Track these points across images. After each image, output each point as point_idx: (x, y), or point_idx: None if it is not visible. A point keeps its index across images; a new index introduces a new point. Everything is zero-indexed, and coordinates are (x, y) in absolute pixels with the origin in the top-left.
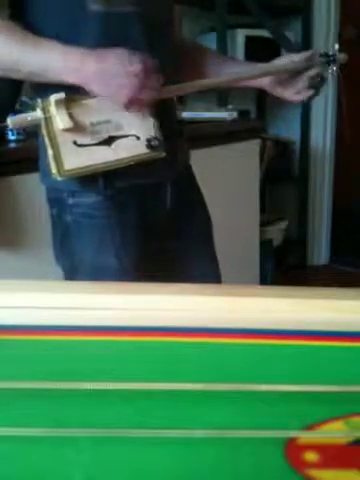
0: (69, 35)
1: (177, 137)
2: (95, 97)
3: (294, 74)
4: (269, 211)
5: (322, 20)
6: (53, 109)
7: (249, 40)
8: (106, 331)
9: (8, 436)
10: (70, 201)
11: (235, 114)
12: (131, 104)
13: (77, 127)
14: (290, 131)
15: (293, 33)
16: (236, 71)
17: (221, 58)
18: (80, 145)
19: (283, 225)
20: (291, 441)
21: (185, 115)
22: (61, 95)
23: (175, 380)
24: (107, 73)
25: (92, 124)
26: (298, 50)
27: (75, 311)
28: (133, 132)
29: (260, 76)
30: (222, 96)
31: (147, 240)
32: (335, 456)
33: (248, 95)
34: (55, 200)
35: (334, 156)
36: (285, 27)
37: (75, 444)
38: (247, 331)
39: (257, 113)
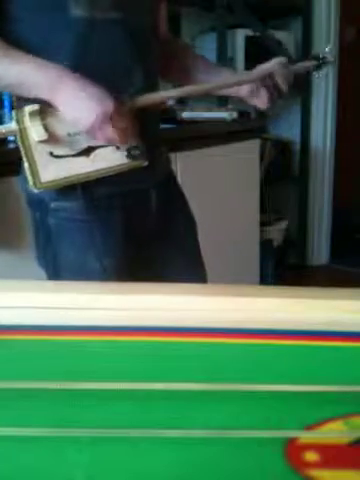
0: (50, 42)
1: (159, 143)
2: None
3: (263, 82)
4: (269, 211)
5: (322, 20)
6: (27, 121)
7: (249, 40)
8: (106, 331)
9: (8, 436)
10: (52, 205)
11: (235, 114)
12: (92, 135)
13: (53, 138)
14: (290, 131)
15: (293, 33)
16: (219, 79)
17: (210, 65)
18: (57, 156)
19: (283, 225)
20: (291, 441)
21: (185, 115)
22: (35, 106)
23: (175, 380)
24: (78, 100)
25: (69, 135)
26: (286, 52)
27: (75, 311)
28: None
29: (234, 85)
30: (222, 96)
31: (133, 244)
32: (335, 456)
33: None
34: (38, 204)
35: (334, 156)
36: (285, 27)
37: (75, 444)
38: (247, 331)
39: (257, 113)
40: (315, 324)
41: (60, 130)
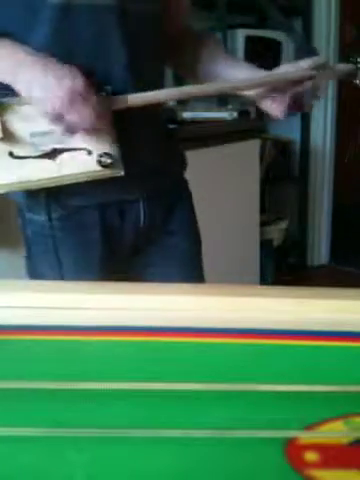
0: (24, 28)
1: (160, 149)
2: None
3: (288, 85)
4: (269, 211)
5: (322, 20)
6: None
7: (249, 40)
8: (106, 331)
9: (8, 436)
10: (27, 216)
11: (235, 114)
12: (56, 121)
13: (13, 137)
14: (290, 131)
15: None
16: (239, 78)
17: (229, 61)
18: (17, 157)
19: (283, 225)
20: (291, 441)
21: (185, 115)
22: None
23: (175, 380)
24: (44, 78)
25: (33, 134)
26: (307, 47)
27: (75, 311)
28: (84, 145)
29: (258, 86)
30: (222, 96)
31: (110, 262)
32: (335, 456)
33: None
34: (19, 211)
35: (334, 156)
36: (286, 28)
37: (75, 444)
38: (247, 331)
39: (257, 113)
40: (315, 324)
41: (22, 129)
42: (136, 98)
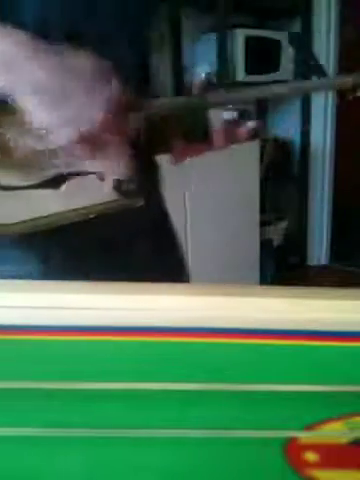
0: None
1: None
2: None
3: None
4: (269, 211)
5: (322, 20)
6: None
7: (249, 40)
8: (106, 331)
9: (8, 436)
10: None
11: (235, 114)
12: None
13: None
14: (290, 131)
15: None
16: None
17: None
18: (6, 188)
19: (283, 225)
20: (291, 441)
21: None
22: None
23: (175, 380)
24: (61, 84)
25: (27, 156)
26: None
27: (75, 311)
28: (95, 168)
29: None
30: None
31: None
32: (335, 456)
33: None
34: None
35: (334, 156)
36: (285, 28)
37: (75, 444)
38: (247, 331)
39: (257, 113)
40: (315, 324)
41: (13, 148)
42: (164, 103)
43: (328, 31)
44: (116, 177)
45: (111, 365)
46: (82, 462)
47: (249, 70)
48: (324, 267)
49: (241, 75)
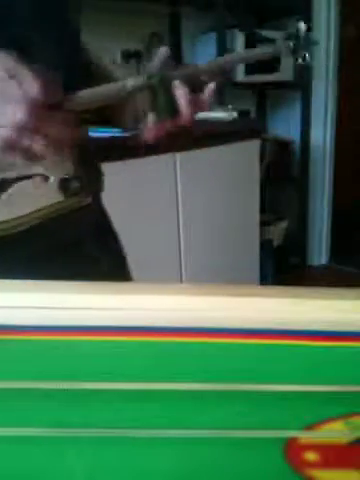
0: None
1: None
2: None
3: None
4: (269, 211)
5: (322, 20)
6: None
7: (249, 40)
8: (106, 331)
9: (8, 436)
10: None
11: (235, 114)
12: (9, 151)
13: None
14: (290, 131)
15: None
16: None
17: None
18: None
19: (283, 225)
20: (291, 441)
21: None
22: None
23: (175, 380)
24: None
25: None
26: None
27: (75, 311)
28: (39, 170)
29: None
30: (222, 96)
31: None
32: (335, 456)
33: (248, 95)
34: None
35: (334, 156)
36: (284, 27)
37: (75, 444)
38: (247, 331)
39: (257, 113)
40: (315, 324)
41: None
42: (87, 94)
43: (328, 31)
44: (60, 176)
45: (111, 365)
46: (81, 462)
47: (249, 70)
48: (324, 267)
49: (240, 75)
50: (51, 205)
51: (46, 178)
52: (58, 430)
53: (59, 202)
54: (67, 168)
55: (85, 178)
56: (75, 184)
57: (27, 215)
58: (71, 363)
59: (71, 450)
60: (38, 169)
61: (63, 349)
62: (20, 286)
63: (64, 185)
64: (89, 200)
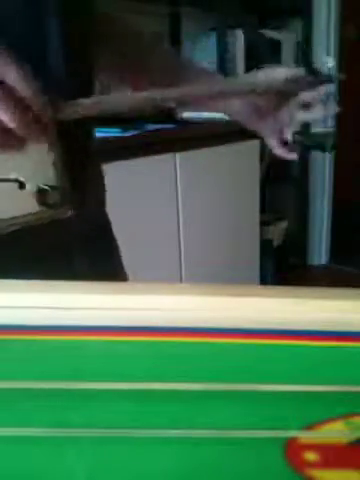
0: None
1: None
2: None
3: (281, 98)
4: (269, 211)
5: (322, 20)
6: None
7: (249, 40)
8: (105, 331)
9: (8, 436)
10: None
11: None
12: None
13: None
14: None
15: (293, 33)
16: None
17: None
18: None
19: (283, 225)
20: (291, 441)
21: (185, 115)
22: None
23: (175, 380)
24: None
25: None
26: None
27: (75, 311)
28: (13, 174)
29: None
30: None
31: None
32: (335, 456)
33: None
34: None
35: (334, 156)
36: (285, 27)
37: (75, 444)
38: (247, 331)
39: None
40: (315, 324)
41: None
42: (90, 103)
43: (328, 31)
44: (39, 184)
45: (111, 365)
46: (82, 462)
47: (249, 70)
48: (324, 267)
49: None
50: (24, 216)
51: (21, 184)
52: (58, 430)
53: (34, 213)
54: (48, 177)
55: (68, 190)
56: (55, 196)
57: (2, 222)
58: (70, 363)
59: (71, 450)
60: (13, 174)
61: (63, 349)
62: (20, 286)
63: (41, 196)
64: (70, 213)
